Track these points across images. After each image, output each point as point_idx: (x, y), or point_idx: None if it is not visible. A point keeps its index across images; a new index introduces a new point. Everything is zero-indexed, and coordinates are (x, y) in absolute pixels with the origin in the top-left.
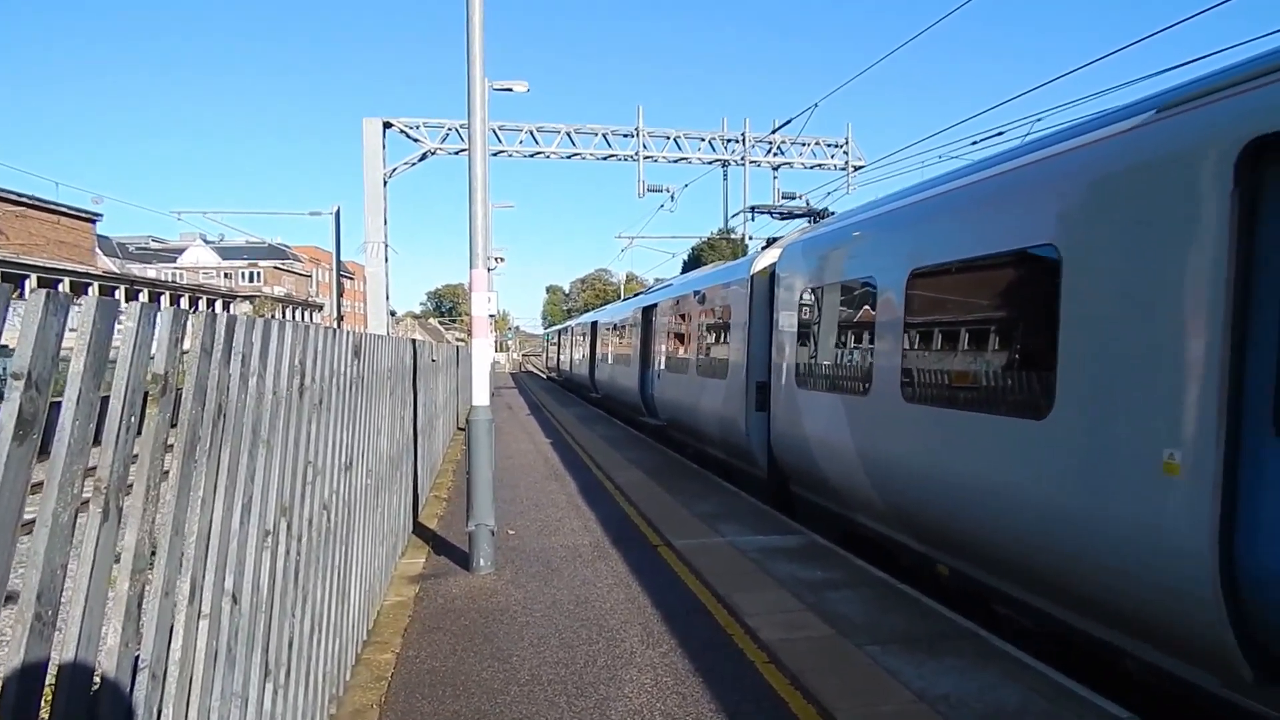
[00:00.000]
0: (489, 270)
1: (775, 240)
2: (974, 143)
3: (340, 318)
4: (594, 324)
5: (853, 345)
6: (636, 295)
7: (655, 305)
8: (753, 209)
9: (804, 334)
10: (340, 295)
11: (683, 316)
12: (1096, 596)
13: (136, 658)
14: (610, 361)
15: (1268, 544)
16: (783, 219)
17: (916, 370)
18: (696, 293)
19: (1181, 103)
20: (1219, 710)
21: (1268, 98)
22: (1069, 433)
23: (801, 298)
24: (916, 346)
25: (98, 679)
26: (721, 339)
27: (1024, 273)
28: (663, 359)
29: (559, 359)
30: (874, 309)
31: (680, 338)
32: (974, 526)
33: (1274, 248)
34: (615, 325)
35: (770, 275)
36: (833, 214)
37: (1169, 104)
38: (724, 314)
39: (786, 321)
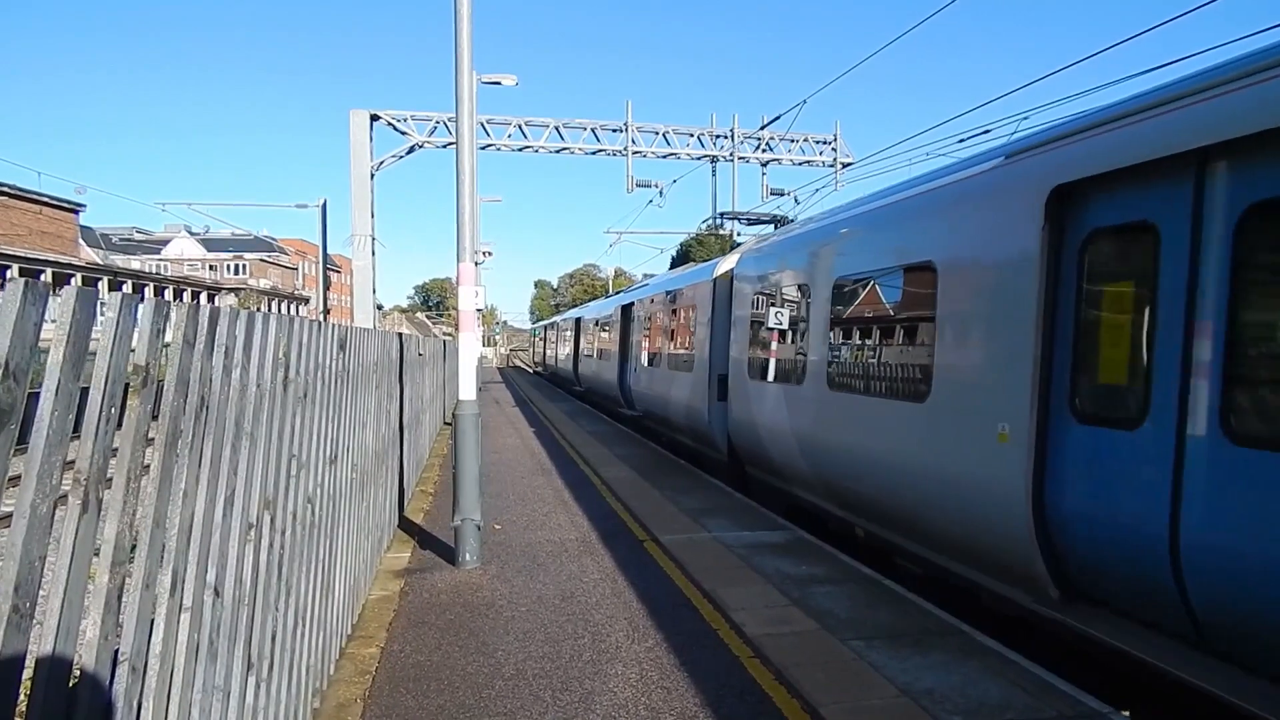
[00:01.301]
0: (476, 264)
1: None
2: (960, 140)
3: (326, 311)
4: (578, 320)
5: (791, 343)
6: (619, 293)
7: (633, 304)
8: (722, 215)
9: (754, 332)
10: (326, 288)
11: (657, 315)
12: (961, 542)
13: (116, 651)
14: (592, 356)
15: (1065, 495)
16: (749, 224)
17: (838, 364)
18: (669, 293)
19: (1019, 153)
20: (1034, 619)
21: (1065, 155)
22: (941, 412)
23: (752, 300)
24: (839, 344)
25: (77, 672)
26: (689, 336)
27: (913, 284)
28: (639, 354)
29: (545, 354)
30: (807, 312)
31: (655, 334)
32: (879, 492)
33: (1068, 276)
34: (597, 322)
35: (729, 279)
36: (793, 221)
37: (1013, 153)
38: (691, 313)
39: (740, 321)
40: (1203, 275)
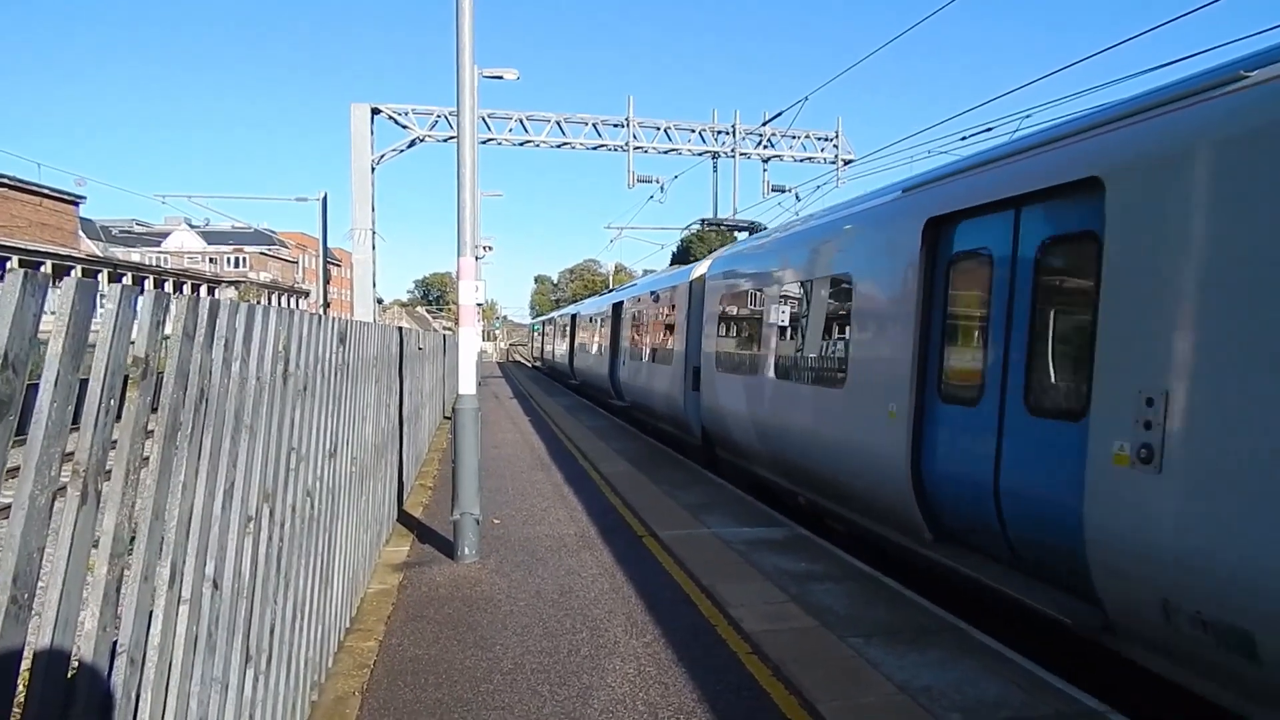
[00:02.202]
0: (477, 259)
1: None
2: (963, 138)
3: (326, 304)
4: (573, 317)
5: (749, 339)
6: (611, 292)
7: (622, 302)
8: (704, 221)
9: (720, 330)
10: (327, 282)
11: (643, 313)
12: (868, 500)
13: (115, 642)
14: (586, 351)
15: (934, 459)
16: (729, 230)
17: (783, 357)
18: (653, 293)
19: (911, 189)
20: (916, 559)
21: (938, 193)
22: (853, 395)
23: (719, 301)
24: (783, 340)
25: (75, 663)
26: (669, 333)
27: (836, 292)
28: (628, 349)
29: (543, 349)
30: (761, 312)
31: (640, 331)
32: (813, 464)
33: (939, 290)
34: (591, 318)
35: (703, 282)
36: (764, 229)
37: (907, 188)
38: (671, 312)
39: (709, 319)
40: (1016, 292)
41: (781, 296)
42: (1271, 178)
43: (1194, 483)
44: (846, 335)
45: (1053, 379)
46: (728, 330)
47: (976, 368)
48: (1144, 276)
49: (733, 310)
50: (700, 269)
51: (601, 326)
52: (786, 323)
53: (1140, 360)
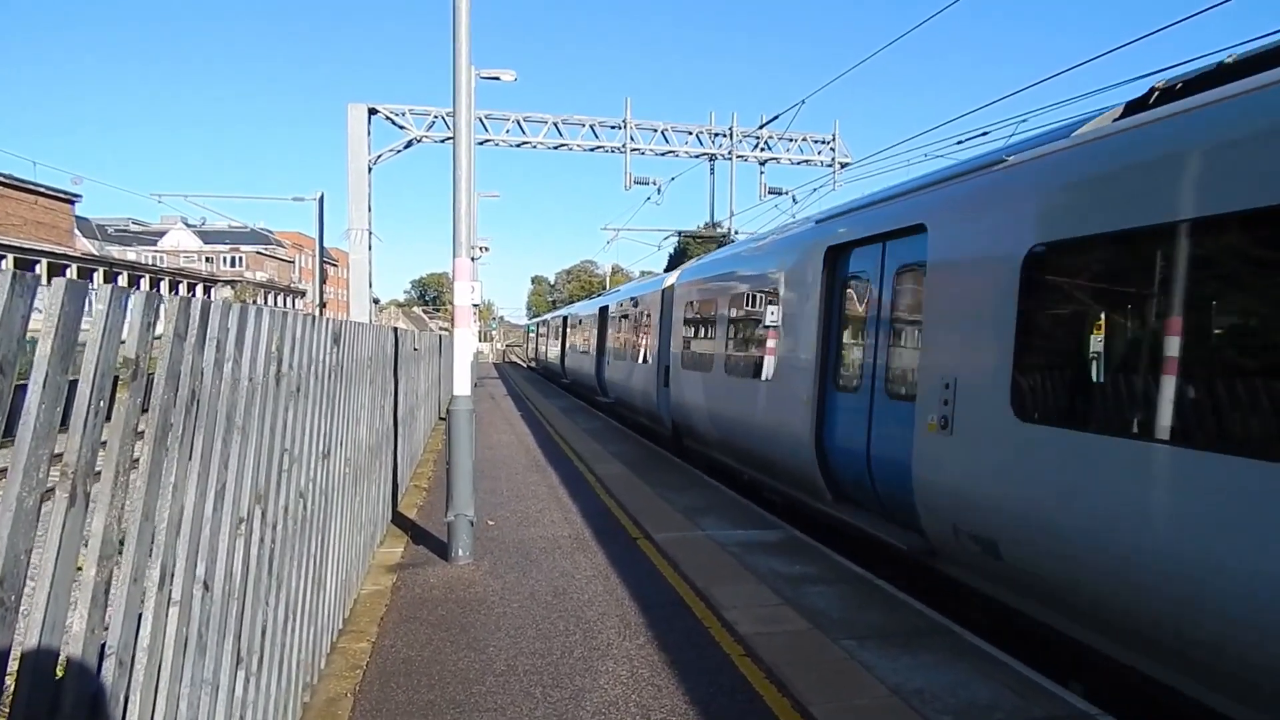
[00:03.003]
0: (473, 260)
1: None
2: (959, 141)
3: (323, 304)
4: (564, 319)
5: (704, 341)
6: (598, 297)
7: (607, 307)
8: (679, 233)
9: (684, 333)
10: (323, 282)
11: (625, 317)
12: (789, 472)
13: (103, 644)
14: (575, 351)
15: (831, 435)
16: (700, 242)
17: (728, 356)
18: (633, 299)
19: (821, 221)
20: (821, 515)
21: (835, 226)
22: (778, 386)
23: (684, 308)
24: (730, 342)
25: (62, 665)
26: (645, 335)
27: (766, 302)
28: (611, 350)
29: (538, 350)
30: (712, 319)
31: (622, 334)
32: (751, 444)
33: (835, 304)
34: (580, 321)
35: (673, 290)
36: (732, 241)
37: (819, 221)
38: (647, 317)
39: (677, 324)
40: (881, 307)
41: (728, 305)
42: (972, 239)
43: (962, 441)
44: (772, 338)
45: (901, 371)
46: (690, 333)
47: (858, 363)
48: (943, 297)
49: (693, 316)
50: (670, 279)
51: (589, 329)
52: (730, 327)
53: (943, 357)
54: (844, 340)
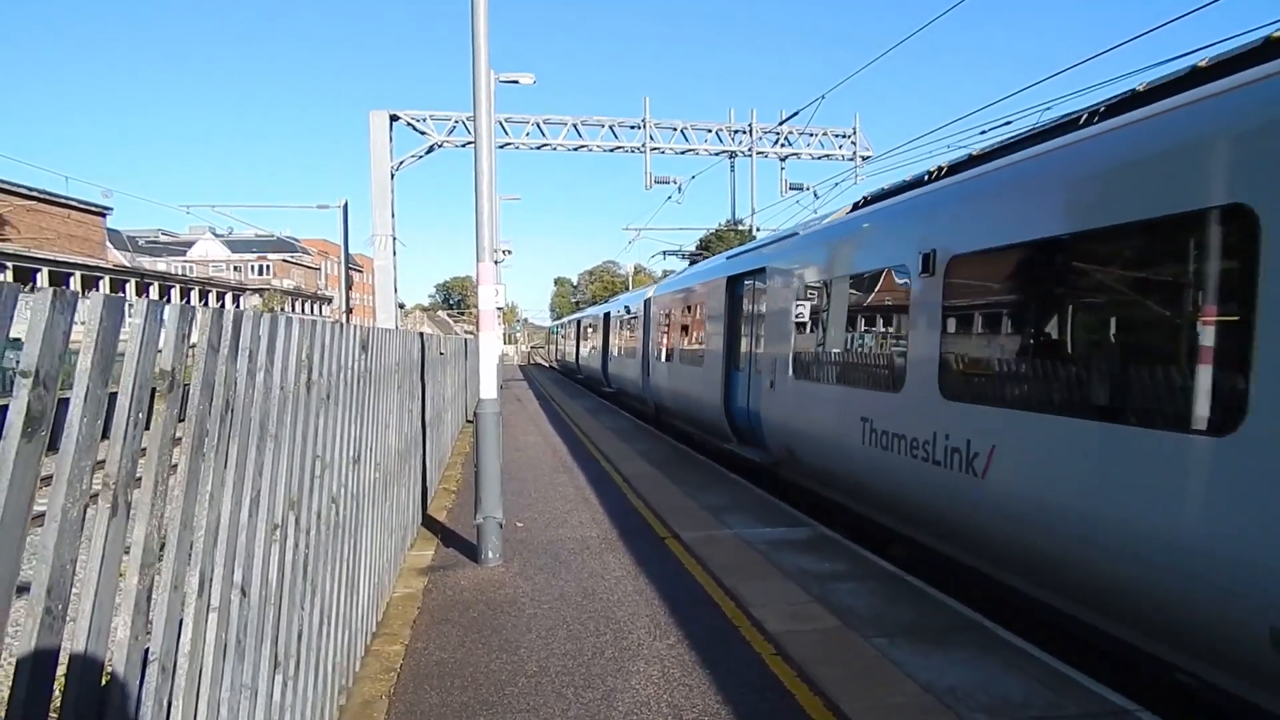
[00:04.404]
0: (496, 263)
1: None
2: (983, 132)
3: (349, 310)
4: (578, 323)
5: (666, 338)
6: (605, 302)
7: (609, 312)
8: (664, 253)
9: (657, 333)
10: (349, 288)
11: (621, 322)
12: (709, 427)
13: (146, 650)
14: (586, 350)
15: (731, 399)
16: (682, 259)
17: (681, 349)
18: (626, 308)
19: (731, 259)
20: (730, 456)
21: (734, 263)
22: (704, 369)
23: (657, 313)
24: (682, 338)
25: (108, 671)
26: (635, 335)
27: (698, 310)
28: (613, 347)
29: (559, 350)
30: (668, 322)
31: (620, 334)
32: (692, 411)
33: (735, 313)
34: (590, 325)
35: (652, 299)
36: (704, 258)
37: (730, 257)
38: (635, 321)
39: (653, 326)
40: (750, 317)
41: (681, 313)
42: (778, 279)
43: (779, 394)
44: (702, 334)
45: (759, 356)
46: (659, 333)
47: (742, 352)
48: (771, 312)
49: (661, 319)
50: (650, 291)
51: (597, 332)
52: (680, 330)
53: (773, 347)
54: (734, 336)
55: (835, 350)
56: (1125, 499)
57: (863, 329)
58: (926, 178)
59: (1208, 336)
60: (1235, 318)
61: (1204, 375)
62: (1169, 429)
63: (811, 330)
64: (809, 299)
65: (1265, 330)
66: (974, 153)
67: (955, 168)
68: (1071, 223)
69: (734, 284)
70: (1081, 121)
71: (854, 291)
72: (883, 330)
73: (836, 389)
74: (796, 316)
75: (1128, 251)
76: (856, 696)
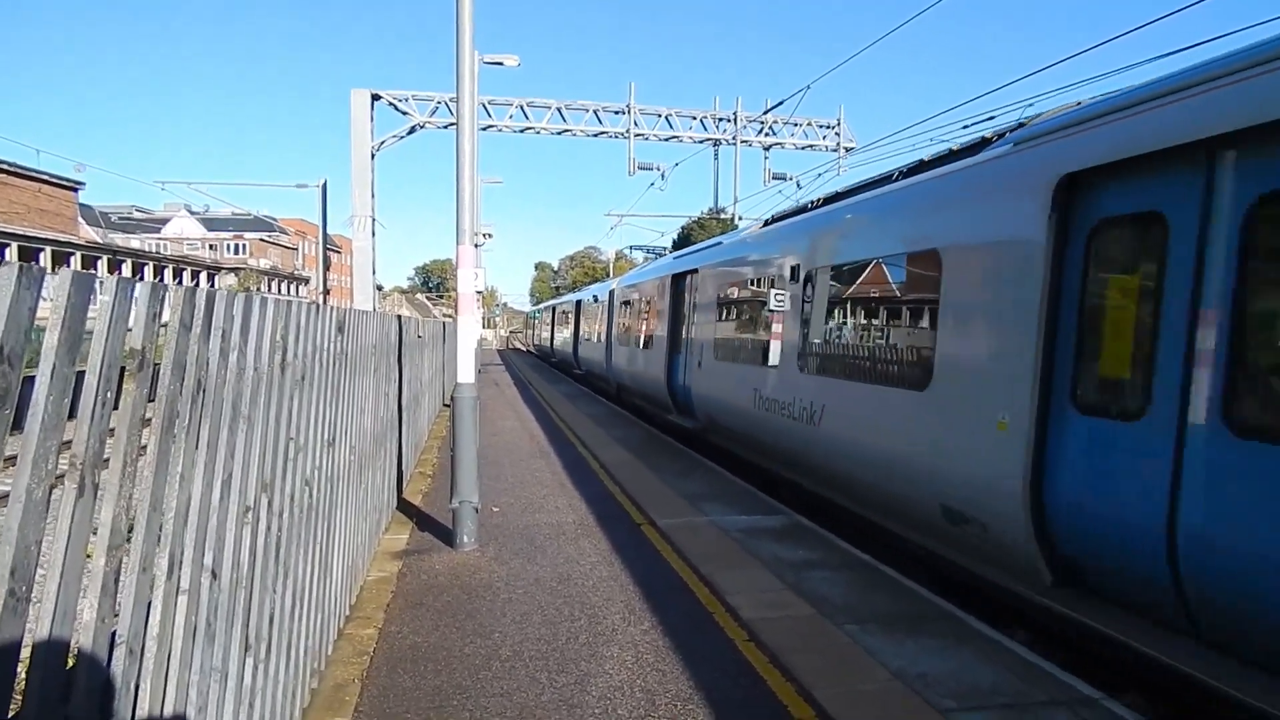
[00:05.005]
0: (476, 246)
1: (771, 219)
2: (965, 126)
3: (326, 291)
4: (554, 308)
5: (625, 327)
6: (578, 291)
7: (580, 301)
8: (631, 248)
9: (618, 321)
10: (326, 269)
11: (590, 309)
12: (653, 398)
13: (114, 633)
14: (560, 335)
15: (673, 378)
16: (649, 254)
17: (635, 334)
18: (594, 297)
19: (677, 259)
20: (676, 427)
21: (678, 263)
22: (651, 352)
23: (617, 304)
24: (637, 326)
25: (74, 654)
26: (601, 322)
27: (648, 304)
28: (583, 333)
29: (536, 335)
30: (630, 312)
31: (589, 322)
32: (645, 388)
33: (677, 306)
34: (565, 312)
35: (613, 291)
36: (693, 242)
37: (676, 257)
38: (601, 310)
39: (615, 313)
40: (688, 308)
41: (637, 303)
42: (707, 280)
43: (705, 371)
44: (652, 324)
45: (691, 340)
46: (620, 321)
47: (682, 337)
48: (699, 307)
49: (621, 309)
50: (613, 284)
51: (569, 318)
52: (638, 318)
53: (699, 333)
54: (676, 325)
55: (739, 337)
56: (880, 431)
57: (758, 321)
58: (809, 205)
59: (916, 336)
60: (926, 325)
61: (917, 358)
62: (900, 388)
63: (725, 321)
64: (727, 297)
65: (941, 333)
66: (839, 190)
67: (828, 200)
68: (864, 251)
69: (676, 281)
70: (894, 177)
71: (754, 290)
72: (769, 323)
73: (739, 367)
74: (717, 310)
75: (887, 276)
76: (829, 682)
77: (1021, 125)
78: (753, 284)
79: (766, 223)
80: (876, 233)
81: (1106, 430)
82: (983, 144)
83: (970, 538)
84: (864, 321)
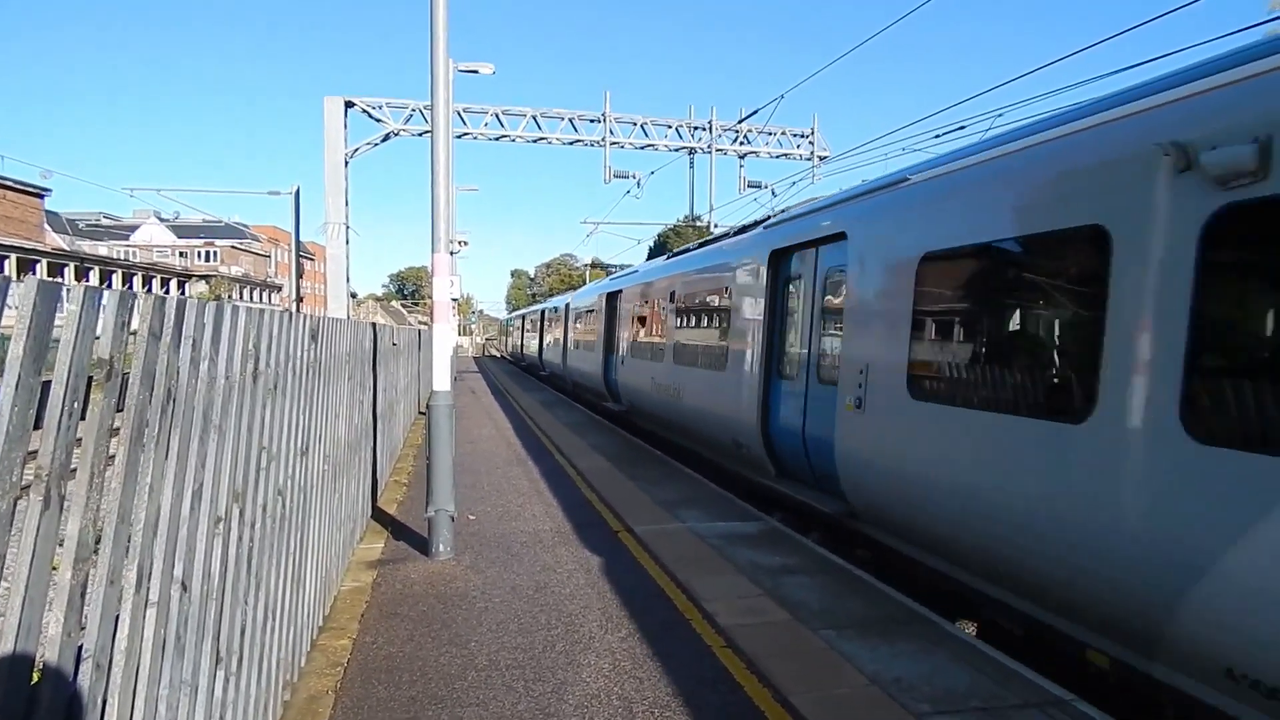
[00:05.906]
0: (452, 254)
1: (746, 226)
2: (937, 136)
3: (299, 299)
4: (523, 317)
5: (577, 334)
6: (544, 302)
7: (545, 310)
8: (594, 262)
9: (571, 329)
10: (300, 277)
11: (552, 319)
12: (596, 390)
13: (80, 647)
14: (529, 341)
15: (610, 373)
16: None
17: (584, 341)
18: (555, 308)
19: (612, 279)
20: (606, 412)
21: (611, 285)
22: (591, 353)
23: (573, 314)
24: (580, 334)
25: (38, 670)
26: (560, 330)
27: (590, 316)
28: (548, 340)
29: (509, 342)
30: (581, 321)
31: (551, 329)
32: (588, 383)
33: (610, 319)
34: (532, 320)
35: (569, 304)
36: (668, 250)
37: (612, 278)
38: (560, 320)
39: (571, 324)
40: (618, 319)
41: (584, 314)
42: (638, 297)
43: (627, 368)
44: (596, 331)
45: (619, 345)
46: (573, 329)
47: (615, 342)
48: (622, 320)
49: (574, 319)
50: (569, 298)
51: (536, 326)
52: (582, 326)
53: (623, 336)
54: (611, 332)
55: (642, 341)
56: (706, 398)
57: (653, 330)
58: (682, 250)
59: (723, 336)
60: (725, 330)
61: (724, 351)
62: (712, 370)
63: (637, 328)
64: (638, 312)
65: (731, 335)
66: (700, 240)
67: (704, 242)
68: (700, 284)
69: (610, 299)
70: (732, 232)
71: (652, 307)
72: (659, 331)
73: (644, 363)
74: (633, 321)
75: (711, 300)
76: (805, 688)
77: (770, 218)
78: (646, 303)
79: (670, 255)
80: (709, 271)
81: (785, 386)
82: (758, 224)
83: (744, 455)
84: (700, 330)
